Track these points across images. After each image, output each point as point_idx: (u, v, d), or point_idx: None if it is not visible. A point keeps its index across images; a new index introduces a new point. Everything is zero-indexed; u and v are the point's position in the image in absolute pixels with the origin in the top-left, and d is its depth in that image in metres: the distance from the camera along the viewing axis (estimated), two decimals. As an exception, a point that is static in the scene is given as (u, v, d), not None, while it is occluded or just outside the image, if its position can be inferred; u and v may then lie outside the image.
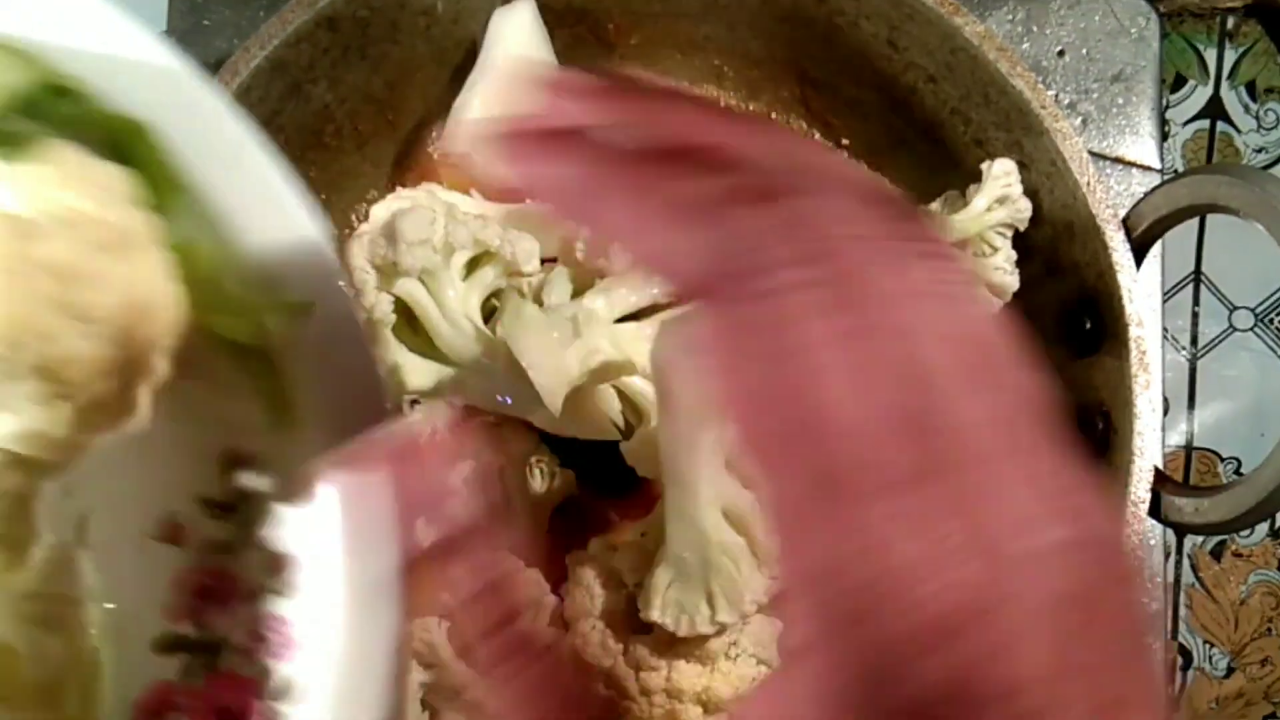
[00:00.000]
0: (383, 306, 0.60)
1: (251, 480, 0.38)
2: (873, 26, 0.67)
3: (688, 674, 0.58)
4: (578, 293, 0.61)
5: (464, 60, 0.71)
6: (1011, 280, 0.67)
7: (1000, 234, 0.67)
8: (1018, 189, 0.65)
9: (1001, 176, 0.65)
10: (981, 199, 0.66)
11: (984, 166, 0.66)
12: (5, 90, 0.33)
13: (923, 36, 0.64)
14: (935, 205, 0.68)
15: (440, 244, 0.59)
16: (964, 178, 0.68)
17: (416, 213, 0.59)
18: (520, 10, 0.67)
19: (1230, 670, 0.99)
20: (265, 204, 0.37)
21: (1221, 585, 0.99)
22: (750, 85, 0.65)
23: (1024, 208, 0.66)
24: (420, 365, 0.61)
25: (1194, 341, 1.00)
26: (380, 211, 0.60)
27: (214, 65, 0.65)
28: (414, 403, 0.66)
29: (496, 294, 0.62)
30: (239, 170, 0.36)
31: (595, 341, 0.57)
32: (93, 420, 0.33)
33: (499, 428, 0.66)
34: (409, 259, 0.59)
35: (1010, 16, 0.77)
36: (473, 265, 0.62)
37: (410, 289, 0.61)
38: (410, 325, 0.62)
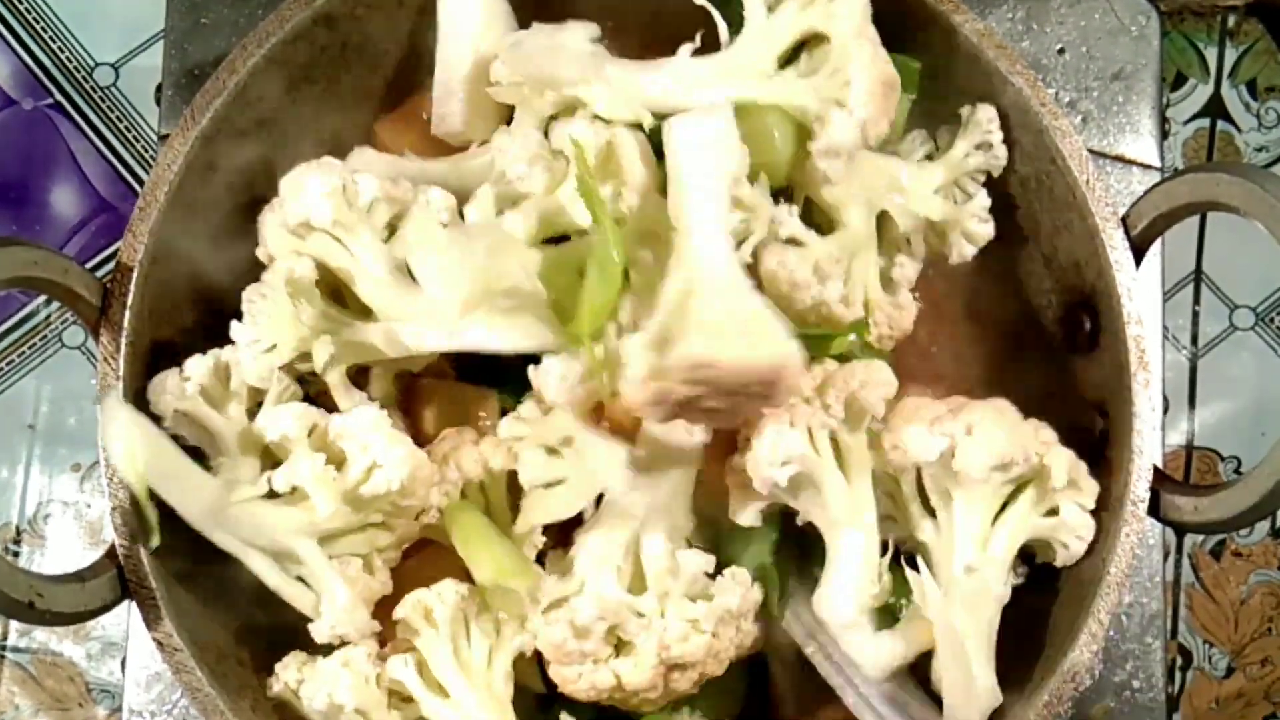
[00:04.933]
0: (302, 268, 0.59)
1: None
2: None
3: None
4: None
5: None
6: (986, 229, 0.66)
7: (974, 179, 0.66)
8: (998, 135, 0.65)
9: (984, 123, 0.65)
10: (962, 144, 0.65)
11: (964, 111, 0.66)
12: None
13: (923, 34, 0.64)
14: (917, 142, 0.67)
15: (351, 197, 0.59)
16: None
17: (320, 169, 0.59)
18: None
19: (1230, 670, 0.99)
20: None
21: (1221, 585, 0.99)
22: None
23: (1000, 155, 0.65)
24: (353, 328, 0.60)
25: (1194, 340, 1.00)
26: (291, 181, 0.60)
27: (212, 63, 0.65)
28: (363, 370, 0.64)
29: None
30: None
31: (505, 265, 0.58)
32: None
33: (460, 390, 0.65)
34: (318, 212, 0.58)
35: (1010, 14, 0.77)
36: (394, 226, 0.61)
37: (326, 247, 0.60)
38: (335, 297, 0.61)
